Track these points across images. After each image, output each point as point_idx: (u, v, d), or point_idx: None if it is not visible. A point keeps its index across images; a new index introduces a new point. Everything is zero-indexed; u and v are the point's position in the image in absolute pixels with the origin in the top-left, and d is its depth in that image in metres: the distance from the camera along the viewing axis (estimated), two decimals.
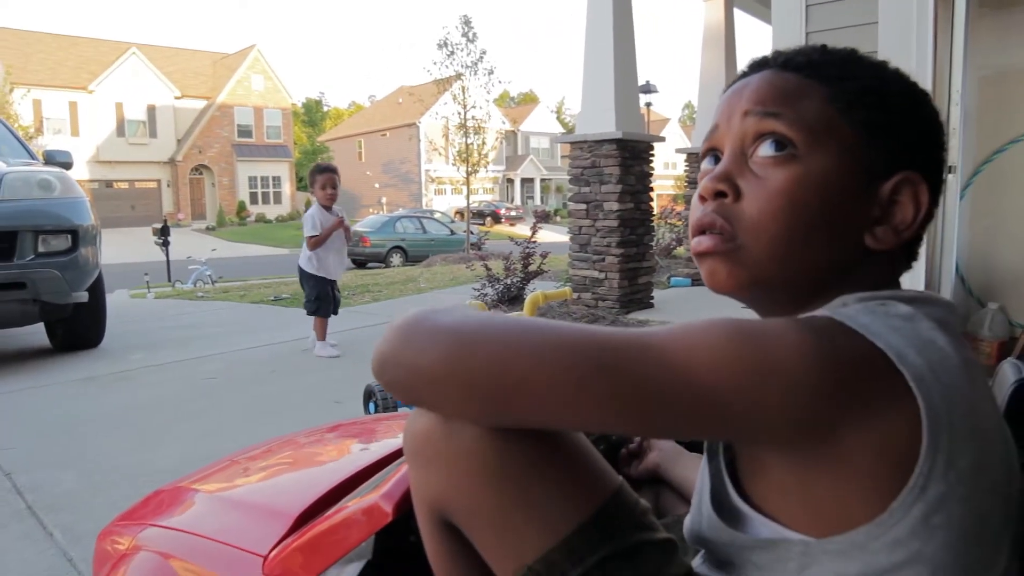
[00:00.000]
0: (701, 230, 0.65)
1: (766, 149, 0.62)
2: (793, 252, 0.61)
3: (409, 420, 0.66)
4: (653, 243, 6.31)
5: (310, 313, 4.70)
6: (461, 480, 0.62)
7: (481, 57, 16.73)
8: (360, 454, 1.34)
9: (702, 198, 0.65)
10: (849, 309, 0.57)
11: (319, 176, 4.64)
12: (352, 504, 0.86)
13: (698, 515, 0.66)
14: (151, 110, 35.48)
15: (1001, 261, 3.70)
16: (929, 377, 0.52)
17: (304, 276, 4.71)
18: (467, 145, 17.04)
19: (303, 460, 1.43)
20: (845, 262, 0.62)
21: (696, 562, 0.68)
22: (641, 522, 0.64)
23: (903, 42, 3.20)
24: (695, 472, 0.88)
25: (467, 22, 16.66)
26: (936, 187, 0.63)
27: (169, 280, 12.77)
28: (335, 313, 4.80)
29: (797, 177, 0.60)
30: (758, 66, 0.67)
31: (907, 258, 0.66)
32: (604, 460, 0.66)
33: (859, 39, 2.39)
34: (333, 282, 4.72)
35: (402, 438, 0.67)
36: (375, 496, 0.81)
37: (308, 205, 4.32)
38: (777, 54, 0.66)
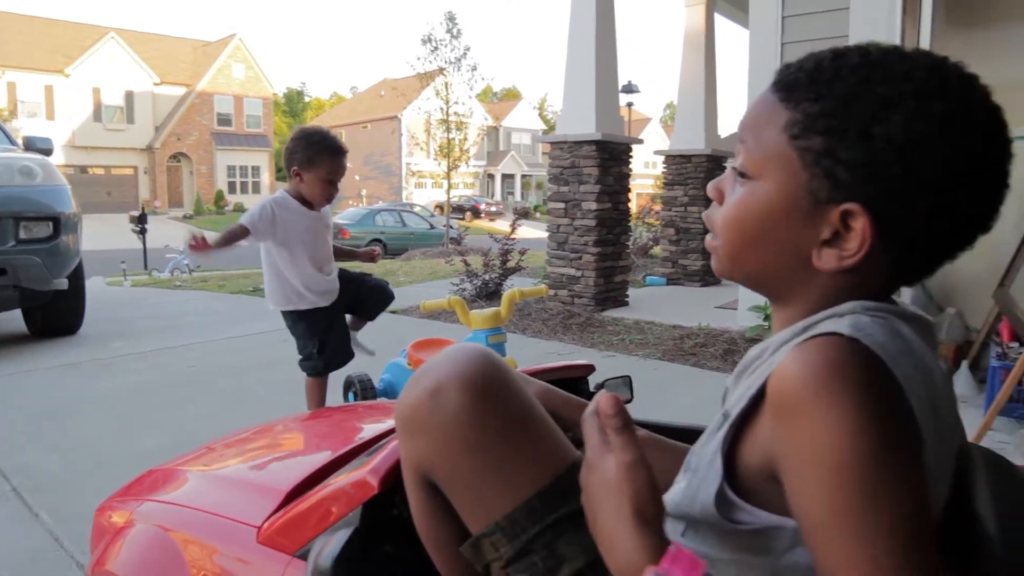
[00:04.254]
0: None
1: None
2: (744, 257, 0.69)
3: (402, 394, 0.78)
4: (630, 242, 6.42)
5: (308, 371, 2.78)
6: (444, 447, 0.74)
7: (465, 53, 16.77)
8: (344, 437, 1.43)
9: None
10: (870, 331, 0.58)
11: (330, 159, 2.59)
12: (341, 479, 0.95)
13: (691, 501, 0.68)
14: (129, 96, 34.98)
15: (959, 267, 3.85)
16: (921, 393, 0.56)
17: (288, 316, 2.73)
18: (449, 140, 17.07)
19: (290, 443, 1.52)
20: (798, 272, 0.65)
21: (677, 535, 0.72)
22: None
23: None
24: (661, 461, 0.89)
25: (451, 18, 16.69)
26: (891, 221, 0.60)
27: (146, 268, 12.69)
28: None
29: (745, 196, 0.67)
30: (773, 80, 0.70)
31: (896, 276, 0.65)
32: (565, 438, 0.77)
33: None
34: (331, 309, 2.75)
35: (394, 411, 0.78)
36: (363, 471, 0.91)
37: None
38: (780, 70, 0.68)
